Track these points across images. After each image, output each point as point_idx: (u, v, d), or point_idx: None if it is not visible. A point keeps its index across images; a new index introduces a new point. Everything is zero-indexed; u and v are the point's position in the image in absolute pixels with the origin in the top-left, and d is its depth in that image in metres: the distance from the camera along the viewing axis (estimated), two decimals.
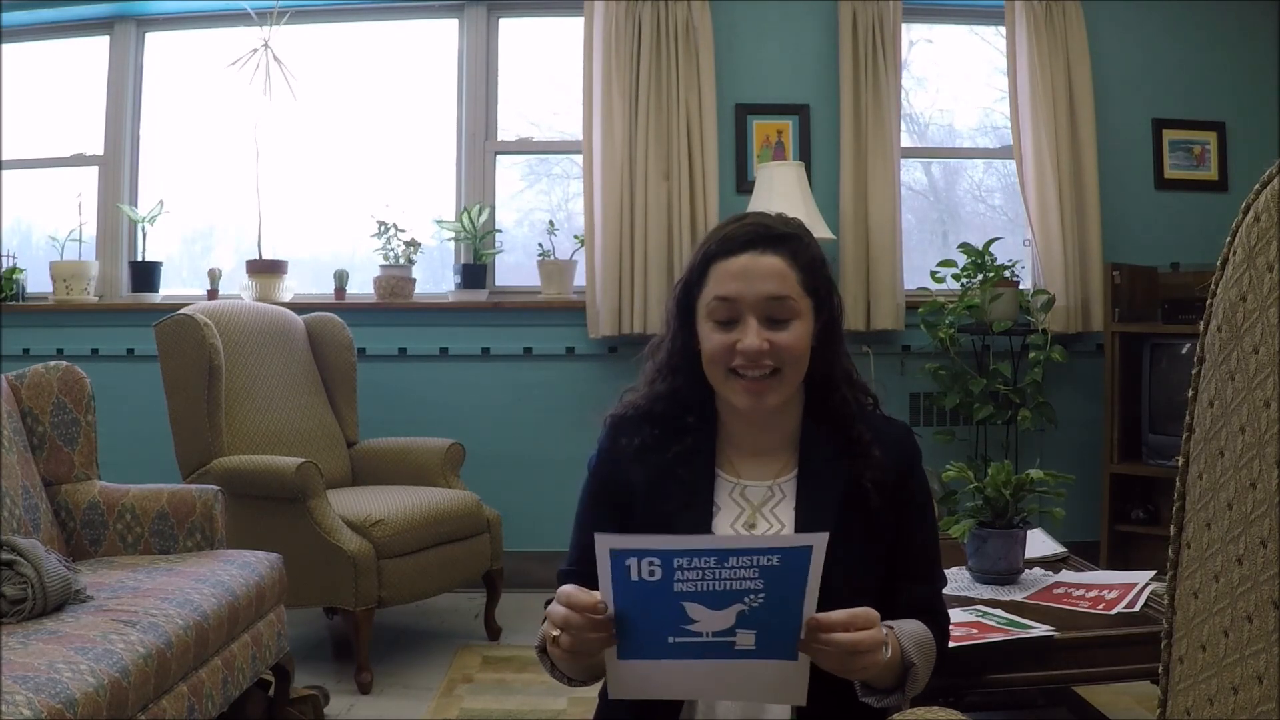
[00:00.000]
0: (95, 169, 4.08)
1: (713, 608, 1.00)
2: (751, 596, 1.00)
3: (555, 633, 1.07)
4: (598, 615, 1.02)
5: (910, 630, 1.22)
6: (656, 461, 1.29)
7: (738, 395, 1.24)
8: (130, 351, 3.85)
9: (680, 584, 0.99)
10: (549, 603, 1.32)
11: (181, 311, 3.00)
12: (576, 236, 3.97)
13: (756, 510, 1.28)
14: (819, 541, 0.99)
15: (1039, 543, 2.34)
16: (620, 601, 1.02)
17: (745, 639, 1.01)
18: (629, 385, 1.39)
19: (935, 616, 1.30)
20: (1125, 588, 1.99)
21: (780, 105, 3.95)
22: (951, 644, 1.67)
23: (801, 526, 1.24)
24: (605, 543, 1.00)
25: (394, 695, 2.74)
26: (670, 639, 1.02)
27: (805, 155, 3.91)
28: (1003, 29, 3.94)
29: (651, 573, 1.00)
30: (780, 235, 1.26)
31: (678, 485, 1.27)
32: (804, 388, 1.31)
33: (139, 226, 3.99)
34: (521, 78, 4.17)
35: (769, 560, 0.99)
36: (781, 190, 3.47)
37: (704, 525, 1.26)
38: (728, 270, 1.24)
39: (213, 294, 3.91)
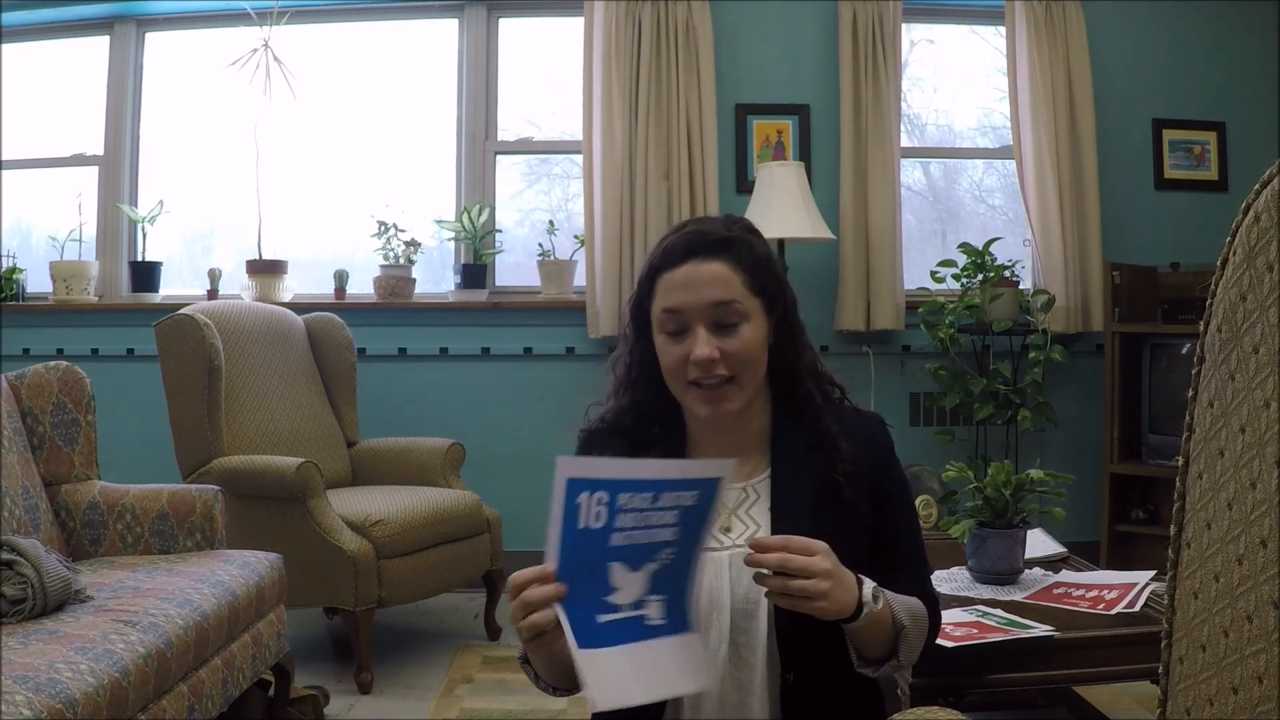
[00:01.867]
0: (95, 169, 4.08)
1: (633, 568, 1.07)
2: (666, 552, 1.08)
3: (517, 625, 1.07)
4: (546, 576, 1.04)
5: (901, 597, 1.23)
6: None
7: (698, 405, 1.24)
8: (130, 351, 3.85)
9: (618, 533, 1.05)
10: None
11: (181, 311, 3.00)
12: (576, 236, 3.97)
13: (732, 513, 1.27)
14: (726, 470, 1.10)
15: (1039, 543, 2.34)
16: (563, 557, 1.05)
17: (655, 609, 1.08)
18: (594, 400, 1.39)
19: (925, 598, 1.30)
20: (1125, 588, 1.99)
21: (780, 105, 3.95)
22: (951, 644, 1.68)
23: (776, 526, 1.24)
24: (564, 470, 1.03)
25: (394, 695, 2.74)
26: (599, 618, 1.06)
27: (805, 155, 3.91)
28: (1003, 29, 3.94)
29: (598, 515, 1.05)
30: (719, 240, 1.25)
31: None
32: (769, 386, 1.30)
33: (139, 226, 3.99)
34: (521, 78, 4.17)
35: (691, 499, 1.08)
36: (781, 190, 3.47)
37: None
38: (672, 282, 1.24)
39: (213, 294, 3.91)
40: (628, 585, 1.07)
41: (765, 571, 1.09)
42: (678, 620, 1.09)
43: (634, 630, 1.07)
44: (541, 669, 1.22)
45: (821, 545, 1.10)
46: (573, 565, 1.06)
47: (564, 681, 1.24)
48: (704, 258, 1.24)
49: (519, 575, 1.07)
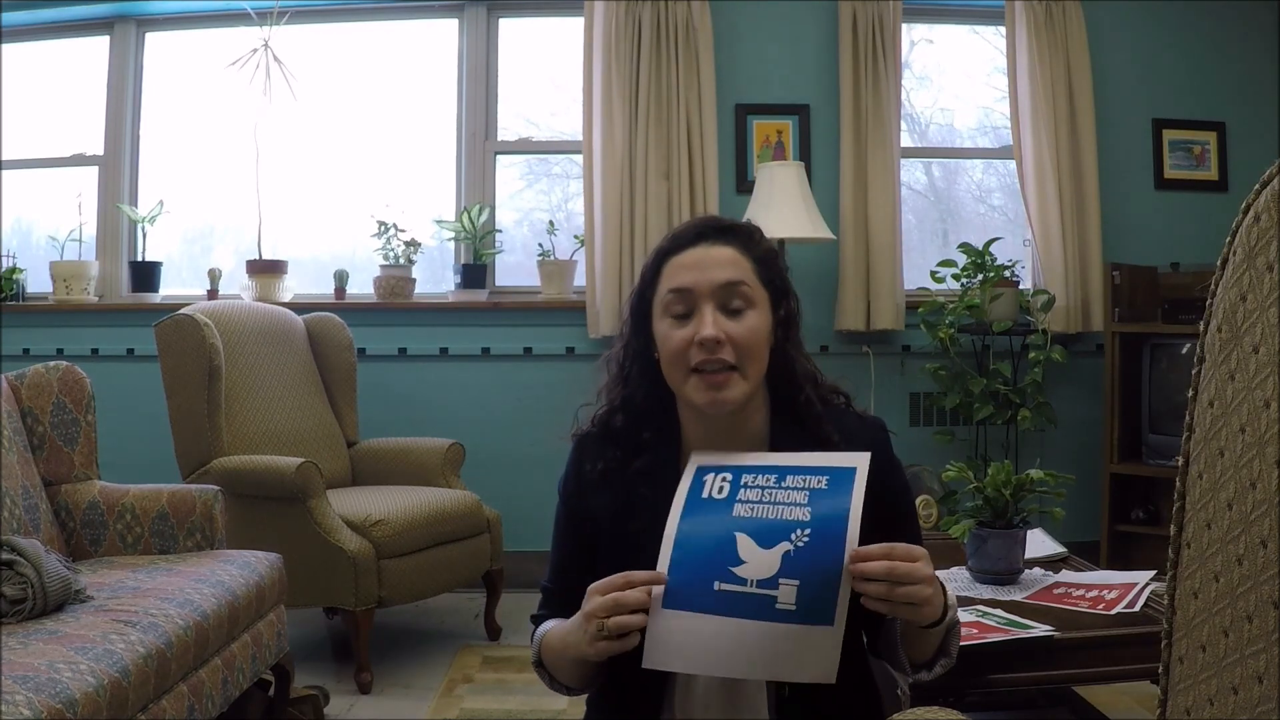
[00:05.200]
0: (95, 169, 4.08)
1: (762, 544, 1.07)
2: (798, 532, 1.07)
3: (599, 619, 1.08)
4: (660, 582, 1.08)
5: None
6: (621, 484, 1.26)
7: (697, 392, 1.20)
8: (130, 351, 3.85)
9: (741, 505, 1.11)
10: (534, 618, 1.32)
11: (181, 311, 3.00)
12: (576, 236, 3.97)
13: None
14: (862, 462, 1.11)
15: (1039, 543, 2.34)
16: (685, 521, 1.12)
17: (787, 593, 1.05)
18: (584, 402, 1.36)
19: None
20: (1125, 588, 1.99)
21: (780, 105, 3.95)
22: None
23: None
24: (695, 460, 1.18)
25: (394, 695, 2.74)
26: (717, 584, 1.07)
27: (805, 155, 3.91)
28: (1003, 29, 3.94)
29: (721, 489, 1.12)
30: (730, 227, 1.27)
31: (643, 505, 1.22)
32: (768, 389, 1.28)
33: (139, 226, 3.99)
34: (521, 78, 4.17)
35: (819, 482, 1.10)
36: (781, 190, 3.47)
37: None
38: (681, 263, 1.23)
39: (213, 294, 3.91)
40: (756, 561, 1.07)
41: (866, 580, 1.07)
42: (813, 609, 1.05)
43: (757, 608, 1.05)
44: (567, 672, 1.23)
45: (921, 551, 1.09)
46: (694, 527, 1.11)
47: (588, 684, 1.24)
48: (714, 241, 1.25)
49: (633, 575, 1.09)
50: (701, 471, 1.15)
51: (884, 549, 1.06)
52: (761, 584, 1.06)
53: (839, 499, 1.08)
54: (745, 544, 1.07)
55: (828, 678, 1.05)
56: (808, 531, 1.07)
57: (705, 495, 1.12)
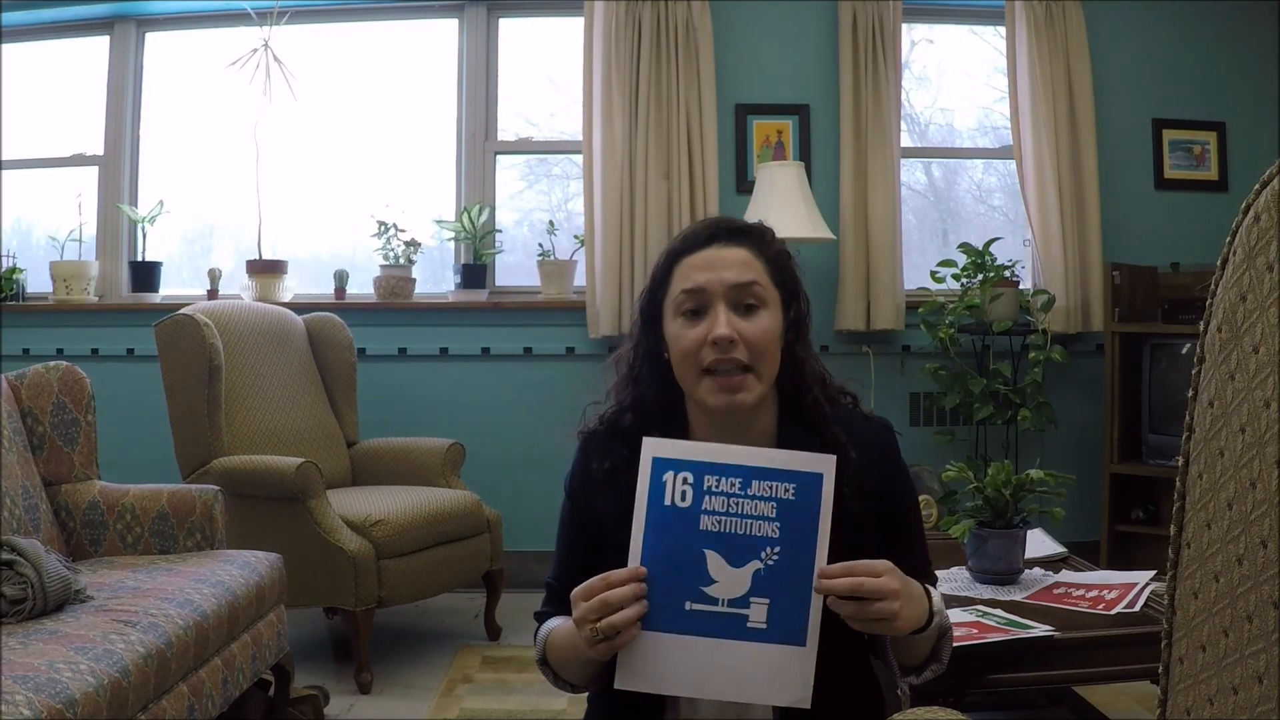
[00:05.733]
0: (95, 169, 4.08)
1: (732, 562, 1.06)
2: (768, 550, 1.06)
3: (590, 624, 1.07)
4: (640, 577, 1.07)
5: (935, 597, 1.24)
6: (627, 483, 1.23)
7: (711, 394, 1.20)
8: (130, 351, 3.85)
9: (707, 516, 1.07)
10: (538, 615, 1.32)
11: (181, 311, 3.00)
12: (576, 236, 3.97)
13: None
14: (828, 467, 1.08)
15: (1039, 543, 2.34)
16: (650, 534, 1.08)
17: (758, 612, 1.05)
18: (592, 400, 1.36)
19: None
20: (1125, 588, 1.99)
21: (780, 105, 3.95)
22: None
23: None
24: (650, 449, 1.11)
25: (394, 695, 2.74)
26: (688, 604, 1.06)
27: (805, 155, 3.91)
28: (1003, 29, 3.94)
29: (683, 495, 1.08)
30: (743, 229, 1.27)
31: None
32: (776, 389, 1.28)
33: (139, 226, 3.99)
34: (521, 78, 4.17)
35: (786, 491, 1.07)
36: (781, 190, 3.47)
37: None
38: (693, 264, 1.23)
39: (213, 294, 3.91)
40: (728, 580, 1.06)
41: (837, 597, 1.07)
42: (785, 629, 1.05)
43: (729, 627, 1.05)
44: (574, 670, 1.22)
45: (885, 565, 1.08)
46: (661, 543, 1.08)
47: (593, 683, 1.24)
48: (727, 242, 1.25)
49: (610, 575, 1.08)
50: (660, 468, 1.09)
51: (844, 568, 1.06)
52: (732, 603, 1.05)
53: (808, 513, 1.07)
54: (715, 562, 1.06)
55: (801, 702, 1.04)
56: (777, 550, 1.06)
57: (669, 503, 1.08)
